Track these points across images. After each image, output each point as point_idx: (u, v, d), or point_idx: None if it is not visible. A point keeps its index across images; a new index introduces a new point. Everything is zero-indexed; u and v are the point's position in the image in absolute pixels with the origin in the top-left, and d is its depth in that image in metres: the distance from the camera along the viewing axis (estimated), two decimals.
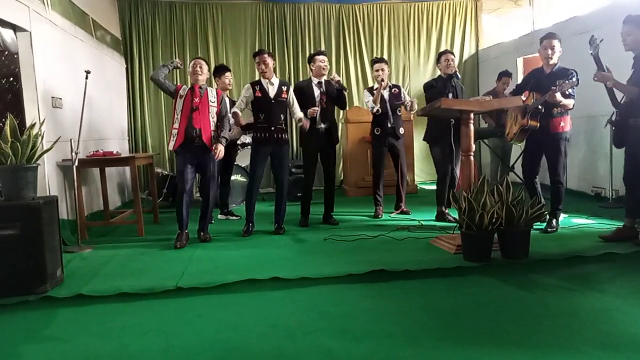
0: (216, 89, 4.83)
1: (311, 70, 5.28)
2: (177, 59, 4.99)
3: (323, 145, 5.22)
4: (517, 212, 3.55)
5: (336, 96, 5.26)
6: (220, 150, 4.59)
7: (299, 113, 4.98)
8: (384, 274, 3.37)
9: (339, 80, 5.28)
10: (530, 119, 4.40)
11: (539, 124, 4.40)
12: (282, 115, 4.86)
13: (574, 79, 4.19)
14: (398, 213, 5.66)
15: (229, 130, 4.75)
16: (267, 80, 4.84)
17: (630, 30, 3.87)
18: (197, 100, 4.55)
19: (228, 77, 5.55)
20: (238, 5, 8.16)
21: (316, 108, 5.04)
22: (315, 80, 5.20)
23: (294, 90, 5.11)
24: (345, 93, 5.37)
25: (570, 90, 4.30)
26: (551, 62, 4.42)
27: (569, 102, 4.34)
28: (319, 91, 5.15)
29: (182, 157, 4.57)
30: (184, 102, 4.55)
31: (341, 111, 8.15)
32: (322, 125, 5.14)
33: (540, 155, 4.59)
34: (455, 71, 5.06)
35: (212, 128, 4.61)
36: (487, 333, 2.42)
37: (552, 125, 4.40)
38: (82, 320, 2.77)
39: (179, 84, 4.89)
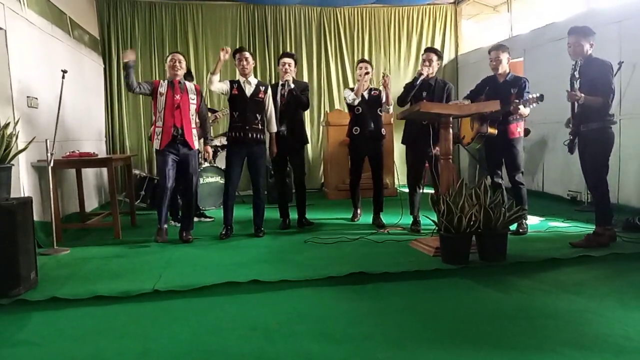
0: (194, 85, 4.81)
1: None
2: (127, 53, 4.50)
3: (287, 147, 5.14)
4: (495, 215, 3.59)
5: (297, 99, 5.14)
6: (210, 152, 4.79)
7: (273, 126, 4.94)
8: (364, 276, 3.38)
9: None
10: (489, 126, 4.55)
11: (497, 131, 4.56)
12: (258, 115, 4.83)
13: (538, 94, 4.29)
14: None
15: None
16: (244, 79, 4.82)
17: (576, 40, 4.02)
18: (178, 97, 4.54)
19: None
20: (219, 7, 8.10)
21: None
22: (280, 82, 5.17)
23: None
24: (305, 96, 5.23)
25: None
26: (500, 71, 4.65)
27: (527, 111, 4.56)
28: (279, 93, 5.09)
29: (163, 155, 4.55)
30: (166, 100, 4.53)
31: (322, 114, 8.19)
32: (282, 128, 5.10)
33: (501, 158, 4.72)
34: (420, 74, 4.84)
35: (193, 125, 4.66)
36: (465, 334, 2.44)
37: (510, 131, 4.60)
38: (56, 324, 2.72)
39: (155, 79, 4.78)
